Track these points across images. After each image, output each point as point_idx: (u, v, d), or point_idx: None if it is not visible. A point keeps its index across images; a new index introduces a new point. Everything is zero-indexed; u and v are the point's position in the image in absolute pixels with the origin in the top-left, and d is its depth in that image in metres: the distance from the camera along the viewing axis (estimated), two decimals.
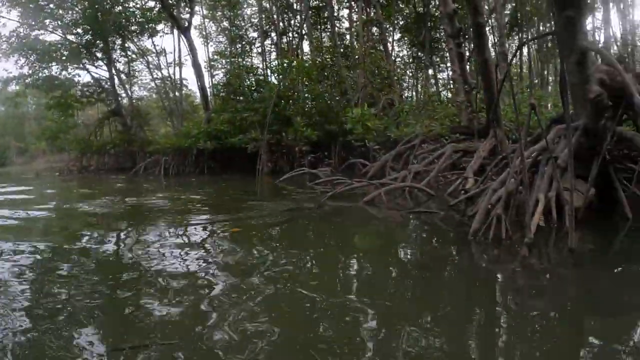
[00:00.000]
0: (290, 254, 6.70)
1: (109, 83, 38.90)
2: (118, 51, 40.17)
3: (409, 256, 6.76)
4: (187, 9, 36.65)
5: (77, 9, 35.96)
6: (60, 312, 4.40)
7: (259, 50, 47.28)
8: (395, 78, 32.63)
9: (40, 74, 36.97)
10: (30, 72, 37.06)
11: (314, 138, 25.65)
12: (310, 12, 36.75)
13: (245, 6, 46.32)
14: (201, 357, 3.48)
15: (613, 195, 8.43)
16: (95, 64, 39.16)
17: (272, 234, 8.24)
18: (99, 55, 38.32)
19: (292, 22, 43.77)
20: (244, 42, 47.58)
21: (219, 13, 45.36)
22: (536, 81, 42.12)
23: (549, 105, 22.01)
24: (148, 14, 37.57)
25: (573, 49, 8.20)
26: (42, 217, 11.28)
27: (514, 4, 38.66)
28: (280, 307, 4.37)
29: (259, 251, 6.85)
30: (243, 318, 4.11)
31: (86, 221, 10.60)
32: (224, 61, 45.17)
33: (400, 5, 41.08)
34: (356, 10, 36.76)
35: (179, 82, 43.84)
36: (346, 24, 41.30)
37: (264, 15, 43.87)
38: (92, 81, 39.74)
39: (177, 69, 43.97)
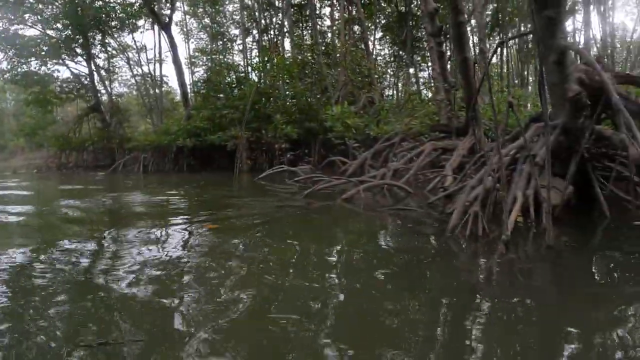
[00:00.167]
0: (265, 252, 6.65)
1: (88, 79, 38.62)
2: (98, 47, 39.89)
3: (384, 252, 6.71)
4: (168, 4, 36.43)
5: (57, 3, 35.51)
6: (28, 306, 4.34)
7: (240, 47, 47.28)
8: (376, 76, 32.67)
9: (19, 69, 36.54)
10: (8, 67, 36.70)
11: (294, 135, 25.62)
12: (292, 9, 36.75)
13: (227, 3, 46.28)
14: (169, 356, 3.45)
15: (591, 193, 8.48)
16: (75, 60, 38.89)
17: (248, 233, 8.17)
18: (79, 50, 37.97)
19: (274, 19, 43.78)
20: (225, 39, 47.59)
21: (200, 9, 45.27)
22: (516, 81, 42.36)
23: (529, 104, 22.14)
24: (128, 9, 37.33)
25: (552, 48, 8.23)
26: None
27: (495, 5, 38.86)
28: (254, 309, 4.32)
29: (234, 248, 6.81)
30: (214, 314, 4.08)
31: (64, 220, 10.48)
32: (204, 58, 45.13)
33: (382, 4, 41.19)
34: (338, 8, 36.79)
35: (159, 78, 43.74)
36: (328, 22, 41.41)
37: (245, 12, 43.82)
38: (71, 77, 39.44)
39: (157, 65, 43.84)
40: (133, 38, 51.19)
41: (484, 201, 7.45)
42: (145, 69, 45.27)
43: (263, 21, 42.42)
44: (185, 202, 13.00)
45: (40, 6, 35.52)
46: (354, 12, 37.64)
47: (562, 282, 5.12)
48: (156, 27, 38.98)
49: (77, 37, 36.65)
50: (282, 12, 39.96)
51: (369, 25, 41.30)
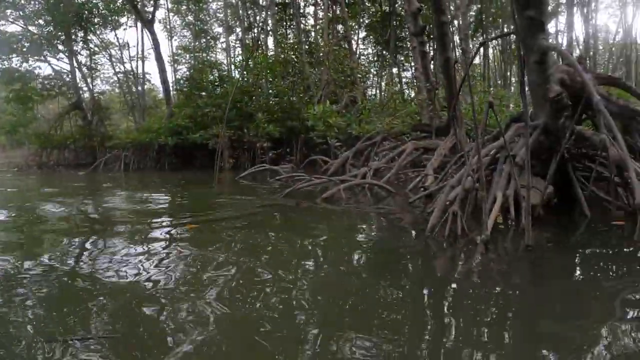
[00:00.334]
0: (244, 251, 6.61)
1: (70, 76, 38.28)
2: (80, 43, 39.56)
3: (363, 251, 6.68)
4: (151, 1, 36.24)
5: None
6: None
7: (224, 45, 47.17)
8: (359, 76, 32.65)
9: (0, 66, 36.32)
10: None
11: (276, 134, 25.55)
12: (275, 8, 36.68)
13: (210, 1, 46.15)
14: (142, 350, 3.41)
15: (572, 193, 8.49)
16: (57, 57, 38.53)
17: (230, 232, 8.11)
18: (61, 47, 37.63)
19: (258, 17, 43.66)
20: (208, 37, 47.43)
21: (184, 7, 45.05)
22: (499, 82, 42.51)
23: (511, 105, 22.17)
24: (111, 6, 37.10)
25: (534, 48, 8.22)
26: None
27: (479, 5, 38.97)
28: (229, 303, 4.28)
29: (215, 247, 6.76)
30: (189, 310, 4.04)
31: (44, 221, 10.38)
32: (187, 56, 44.94)
33: (366, 4, 41.22)
34: (322, 7, 36.74)
35: (141, 76, 43.54)
36: (312, 21, 41.38)
37: (229, 10, 43.70)
38: (53, 74, 39.07)
39: (140, 63, 43.65)
40: (116, 35, 51.01)
41: (463, 201, 7.45)
42: (128, 66, 45.08)
43: (247, 19, 42.31)
44: (166, 204, 12.83)
45: (22, 2, 35.15)
46: (338, 12, 37.63)
47: (540, 282, 5.13)
48: (139, 24, 38.81)
49: (59, 33, 36.27)
50: (265, 11, 39.90)
51: (353, 24, 41.31)
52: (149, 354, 3.35)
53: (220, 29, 48.24)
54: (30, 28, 36.31)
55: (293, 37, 38.56)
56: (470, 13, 38.31)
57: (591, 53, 35.58)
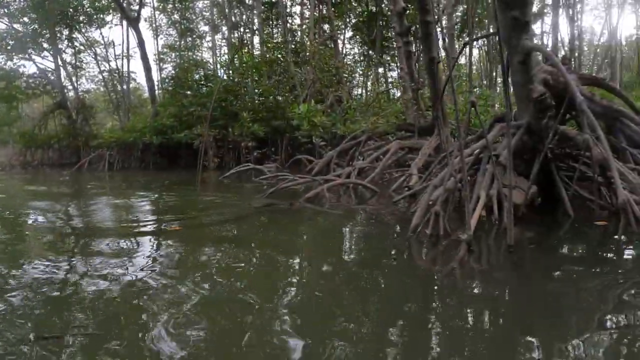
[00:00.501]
0: (229, 251, 6.57)
1: (55, 74, 38.10)
2: (65, 42, 39.42)
3: (345, 251, 6.65)
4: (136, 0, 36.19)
5: None
6: None
7: (210, 44, 47.09)
8: (345, 75, 32.65)
9: None
10: None
11: (261, 134, 25.50)
12: (262, 7, 36.64)
13: None
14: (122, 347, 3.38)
15: (555, 193, 8.50)
16: (42, 55, 38.37)
17: (214, 234, 8.06)
18: (46, 45, 37.44)
19: (244, 16, 43.61)
20: (194, 36, 47.30)
21: (170, 5, 44.85)
22: (485, 82, 42.62)
23: (496, 105, 22.24)
24: (96, 3, 36.98)
25: (517, 49, 8.23)
26: None
27: (465, 6, 39.06)
28: (211, 304, 4.24)
29: (199, 248, 6.72)
30: (170, 308, 4.01)
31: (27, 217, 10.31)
32: (173, 55, 44.78)
33: (353, 3, 41.22)
34: (308, 7, 36.75)
35: (126, 75, 43.37)
36: (298, 21, 41.38)
37: (215, 9, 43.61)
38: (37, 72, 38.87)
39: (125, 61, 43.42)
40: (101, 33, 50.73)
41: (446, 201, 7.43)
42: (113, 64, 44.82)
43: (233, 18, 42.22)
44: (150, 206, 12.67)
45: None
46: (324, 11, 37.64)
47: (521, 282, 5.12)
48: (124, 23, 38.62)
49: (44, 31, 36.11)
50: (252, 10, 39.86)
51: (339, 24, 41.33)
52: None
53: (206, 28, 48.18)
54: (14, 26, 36.16)
55: (279, 36, 38.53)
56: (457, 13, 38.38)
57: (576, 54, 35.72)
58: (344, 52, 43.18)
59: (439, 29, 33.74)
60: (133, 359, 3.26)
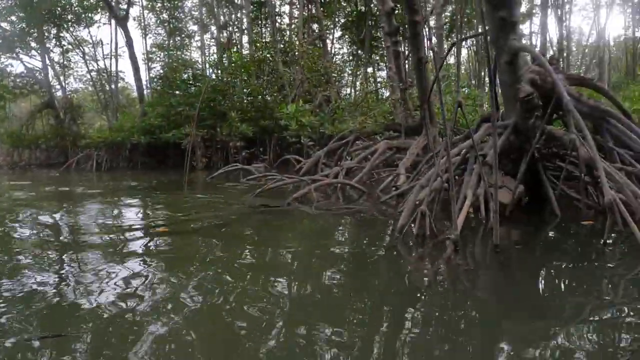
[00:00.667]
0: (215, 252, 6.54)
1: (42, 74, 37.93)
2: (53, 41, 39.26)
3: (331, 251, 6.63)
4: None
5: None
6: None
7: (199, 44, 47.00)
8: (334, 75, 32.66)
9: None
10: None
11: (249, 134, 25.49)
12: (251, 6, 36.60)
13: None
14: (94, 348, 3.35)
15: (542, 193, 8.52)
16: (29, 54, 38.20)
17: (201, 236, 8.00)
18: (33, 44, 37.29)
19: (233, 16, 43.55)
20: (183, 35, 47.21)
21: (159, 4, 44.74)
22: (473, 82, 42.71)
23: (485, 105, 22.28)
24: (85, 2, 36.85)
25: (505, 49, 8.24)
26: None
27: (454, 6, 39.14)
28: (201, 310, 4.21)
29: (186, 249, 6.69)
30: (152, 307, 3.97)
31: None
32: (162, 54, 44.68)
33: (342, 3, 41.24)
34: (297, 6, 36.74)
35: (114, 74, 43.25)
36: (287, 20, 41.38)
37: (204, 9, 43.54)
38: (25, 72, 38.70)
39: (113, 60, 43.26)
40: (89, 32, 50.65)
41: (433, 201, 7.42)
42: (101, 64, 44.66)
43: (222, 18, 42.16)
44: (138, 211, 12.56)
45: None
46: (313, 11, 37.64)
47: (507, 282, 5.11)
48: (113, 22, 38.49)
49: (32, 30, 35.95)
50: (241, 9, 39.81)
51: (328, 24, 41.33)
52: None
53: (195, 27, 48.07)
54: (1, 24, 35.90)
55: (268, 35, 38.51)
56: (446, 14, 38.46)
57: (565, 54, 35.84)
58: (333, 51, 43.23)
59: (427, 29, 33.89)
60: None
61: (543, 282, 5.02)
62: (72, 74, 45.73)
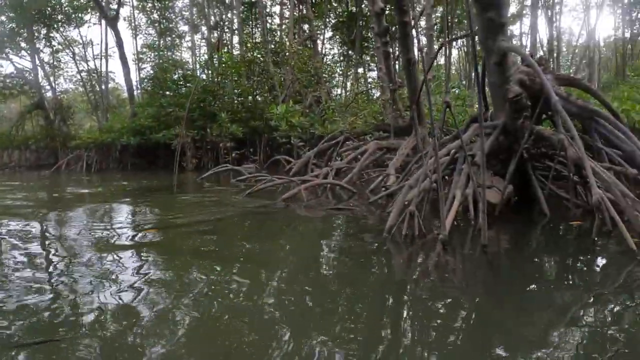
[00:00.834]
0: (208, 252, 6.52)
1: (32, 74, 37.81)
2: (43, 41, 39.17)
3: (319, 251, 6.63)
4: None
5: None
6: None
7: (189, 44, 46.93)
8: (325, 76, 32.65)
9: None
10: None
11: (239, 134, 25.47)
12: (242, 7, 36.56)
13: None
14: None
15: (531, 192, 8.54)
16: (19, 54, 38.11)
17: (189, 237, 7.97)
18: (23, 44, 37.22)
19: (224, 16, 43.48)
20: (173, 36, 47.09)
21: (149, 4, 44.61)
22: (464, 82, 42.78)
23: (475, 105, 22.29)
24: (75, 2, 36.77)
25: (494, 50, 8.25)
26: None
27: (444, 7, 39.19)
28: (191, 312, 4.19)
29: (175, 252, 6.66)
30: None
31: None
32: (152, 55, 44.57)
33: (333, 4, 41.23)
34: (288, 7, 36.73)
35: (105, 75, 43.12)
36: (278, 20, 41.37)
37: (195, 9, 43.46)
38: (15, 72, 38.63)
39: (103, 61, 43.17)
40: (79, 32, 50.41)
41: (422, 201, 7.43)
42: (92, 64, 44.53)
43: (213, 18, 42.09)
44: (128, 213, 12.47)
45: None
46: (304, 11, 37.63)
47: (496, 280, 5.12)
48: (103, 22, 38.38)
49: (22, 30, 35.87)
50: (232, 10, 39.79)
51: (319, 24, 41.33)
52: None
53: (185, 28, 47.97)
54: None
55: (259, 36, 38.48)
56: (437, 14, 38.49)
57: (555, 55, 35.91)
58: (324, 52, 43.21)
59: (418, 30, 33.95)
60: None
61: (531, 280, 5.02)
62: (62, 74, 45.67)
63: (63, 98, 41.62)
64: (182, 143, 23.36)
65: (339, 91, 42.71)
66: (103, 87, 42.20)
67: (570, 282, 4.92)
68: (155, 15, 45.43)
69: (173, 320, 3.90)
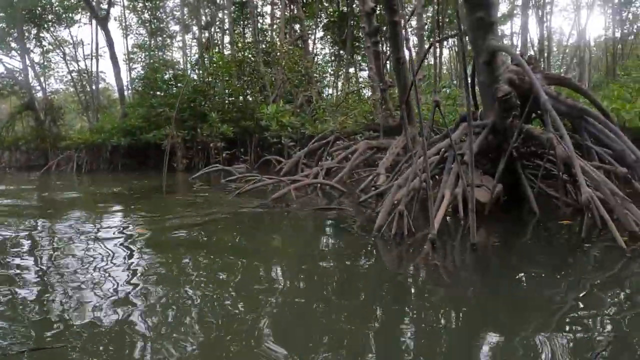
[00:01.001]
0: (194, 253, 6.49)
1: (22, 75, 37.66)
2: (33, 41, 39.06)
3: (307, 251, 6.61)
4: None
5: None
6: None
7: (180, 44, 46.85)
8: (316, 75, 32.64)
9: None
10: None
11: (230, 134, 25.44)
12: (233, 7, 36.53)
13: None
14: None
15: (521, 191, 8.54)
16: (9, 54, 37.99)
17: (180, 238, 7.93)
18: (13, 45, 37.09)
19: (215, 16, 43.40)
20: (164, 36, 46.97)
21: (140, 4, 44.48)
22: (455, 82, 42.81)
23: (465, 105, 22.33)
24: (65, 2, 36.67)
25: (483, 49, 8.26)
26: None
27: (435, 7, 39.23)
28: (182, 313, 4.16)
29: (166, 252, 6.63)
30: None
31: None
32: (143, 55, 44.46)
33: (324, 3, 41.23)
34: (279, 6, 36.71)
35: (95, 75, 43.00)
36: (269, 20, 41.36)
37: (186, 9, 43.36)
38: (5, 72, 38.49)
39: (94, 61, 43.05)
40: (70, 32, 50.16)
41: (411, 200, 7.42)
42: (82, 64, 44.41)
43: (204, 18, 42.02)
44: (118, 207, 12.42)
45: None
46: (295, 11, 37.62)
47: (485, 279, 5.12)
48: (94, 22, 38.26)
49: (12, 30, 35.74)
50: (223, 10, 39.73)
51: (310, 24, 41.32)
52: None
53: (176, 27, 47.85)
54: None
55: (250, 36, 38.44)
56: (427, 14, 38.51)
57: (545, 54, 36.04)
58: (315, 51, 43.18)
59: (409, 29, 33.96)
60: None
61: (520, 278, 5.02)
62: (52, 74, 45.58)
63: (53, 98, 41.44)
64: (173, 143, 23.32)
65: (330, 91, 42.74)
66: (94, 87, 42.10)
67: (560, 280, 4.91)
68: (146, 15, 45.27)
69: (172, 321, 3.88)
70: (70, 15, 38.16)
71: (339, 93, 39.07)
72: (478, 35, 8.30)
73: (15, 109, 38.49)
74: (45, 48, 40.66)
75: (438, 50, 34.15)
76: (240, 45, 33.03)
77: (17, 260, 6.13)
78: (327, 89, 41.70)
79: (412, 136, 12.20)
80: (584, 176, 6.51)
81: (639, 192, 7.50)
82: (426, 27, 34.11)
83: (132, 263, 5.81)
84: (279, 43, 31.37)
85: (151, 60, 36.78)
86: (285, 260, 6.22)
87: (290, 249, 6.99)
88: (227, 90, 29.07)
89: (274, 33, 38.15)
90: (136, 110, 28.89)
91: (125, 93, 36.00)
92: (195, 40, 45.35)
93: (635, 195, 7.32)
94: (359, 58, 42.23)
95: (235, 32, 37.76)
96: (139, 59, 44.97)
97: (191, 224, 8.74)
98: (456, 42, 41.56)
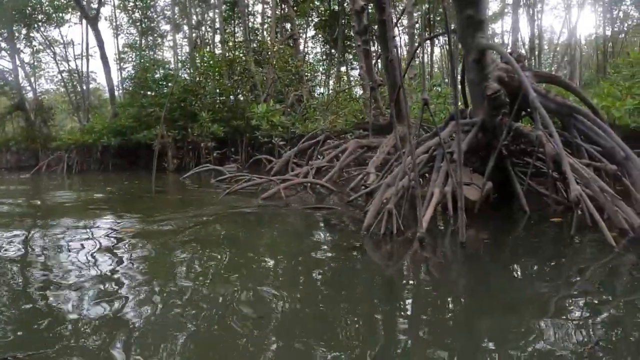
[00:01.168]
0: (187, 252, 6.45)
1: (12, 75, 37.54)
2: (23, 41, 38.94)
3: (295, 250, 6.59)
4: None
5: None
6: None
7: (171, 44, 46.82)
8: (307, 74, 32.63)
9: None
10: None
11: (220, 134, 25.40)
12: (224, 6, 36.50)
13: None
14: None
15: (511, 189, 8.53)
16: None
17: (171, 239, 7.89)
18: (3, 45, 36.94)
19: (206, 16, 43.38)
20: (155, 35, 46.94)
21: (131, 3, 44.41)
22: (446, 80, 42.92)
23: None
24: (55, 2, 36.55)
25: (472, 47, 8.25)
26: None
27: (426, 6, 39.27)
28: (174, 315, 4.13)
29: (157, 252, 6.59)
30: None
31: None
32: (134, 54, 44.39)
33: (315, 3, 41.25)
34: (270, 6, 36.70)
35: (86, 75, 42.90)
36: (260, 19, 41.38)
37: (177, 8, 43.33)
38: None
39: (84, 61, 42.97)
40: (60, 32, 50.11)
41: (400, 199, 7.40)
42: (73, 64, 44.31)
43: (195, 17, 41.98)
44: (110, 208, 12.34)
45: None
46: (286, 10, 37.63)
47: (477, 277, 5.11)
48: (84, 21, 38.15)
49: (2, 30, 35.60)
50: (214, 9, 39.70)
51: (301, 23, 41.35)
52: None
53: (167, 27, 47.83)
54: None
55: (241, 35, 38.43)
56: (418, 13, 38.56)
57: (536, 53, 36.16)
58: (306, 50, 43.21)
59: (400, 28, 34.00)
60: None
61: (510, 276, 5.01)
62: (42, 74, 45.45)
63: (44, 99, 41.37)
64: (163, 143, 23.27)
65: (321, 90, 42.77)
66: (84, 87, 41.98)
67: (550, 277, 4.91)
68: (137, 15, 45.22)
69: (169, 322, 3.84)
70: (60, 15, 38.01)
71: (330, 92, 39.13)
72: (467, 33, 8.28)
73: (5, 110, 38.34)
74: (35, 48, 40.55)
75: (429, 48, 34.17)
76: (231, 44, 33.01)
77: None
78: (318, 88, 41.71)
79: (402, 135, 12.17)
80: (573, 174, 6.50)
81: (628, 190, 7.48)
82: (417, 25, 34.10)
83: (121, 263, 5.74)
84: (269, 42, 31.34)
85: (142, 60, 36.69)
86: (275, 258, 6.19)
87: (274, 249, 6.95)
88: (217, 90, 29.01)
89: (264, 32, 38.17)
90: (127, 110, 28.80)
91: (116, 93, 35.93)
92: (186, 40, 45.28)
93: (625, 192, 7.32)
94: (350, 57, 42.25)
95: (226, 31, 37.75)
96: (130, 59, 44.96)
97: (180, 224, 8.70)
98: (447, 40, 41.69)
